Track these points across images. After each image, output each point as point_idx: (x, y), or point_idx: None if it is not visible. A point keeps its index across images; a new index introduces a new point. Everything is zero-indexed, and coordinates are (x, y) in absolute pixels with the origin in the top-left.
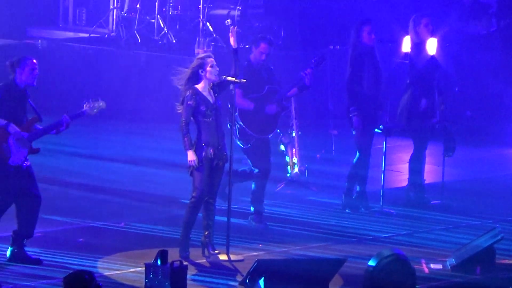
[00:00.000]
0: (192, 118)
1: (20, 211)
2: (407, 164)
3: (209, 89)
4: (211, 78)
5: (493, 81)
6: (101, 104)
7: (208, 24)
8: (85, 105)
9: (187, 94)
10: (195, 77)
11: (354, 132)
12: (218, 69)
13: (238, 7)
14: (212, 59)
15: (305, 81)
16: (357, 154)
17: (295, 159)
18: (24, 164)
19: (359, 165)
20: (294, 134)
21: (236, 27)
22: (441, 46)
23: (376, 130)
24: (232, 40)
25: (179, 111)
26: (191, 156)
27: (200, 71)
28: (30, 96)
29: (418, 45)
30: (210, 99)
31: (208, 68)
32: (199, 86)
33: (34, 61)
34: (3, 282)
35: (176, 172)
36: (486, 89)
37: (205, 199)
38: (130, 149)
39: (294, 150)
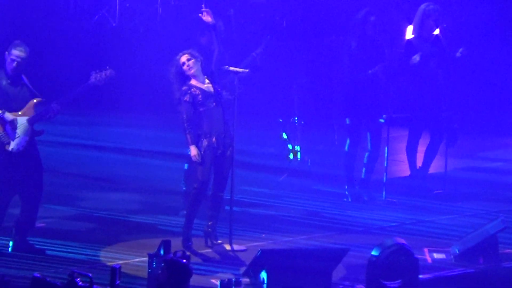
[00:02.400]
0: (194, 112)
1: (22, 199)
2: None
3: (201, 81)
4: (193, 72)
5: (498, 70)
6: (109, 72)
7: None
8: (92, 76)
9: (183, 90)
10: (183, 78)
11: (348, 121)
12: (195, 59)
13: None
14: (185, 55)
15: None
16: (347, 142)
17: (297, 147)
18: (26, 150)
19: (350, 152)
20: (296, 120)
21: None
22: (447, 35)
23: (380, 120)
24: (205, 16)
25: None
26: (193, 151)
27: (182, 72)
28: (27, 80)
29: (423, 34)
30: (207, 88)
31: (184, 67)
32: (193, 82)
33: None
34: (6, 275)
35: (180, 162)
36: (490, 78)
37: (208, 189)
38: (133, 140)
39: (297, 136)
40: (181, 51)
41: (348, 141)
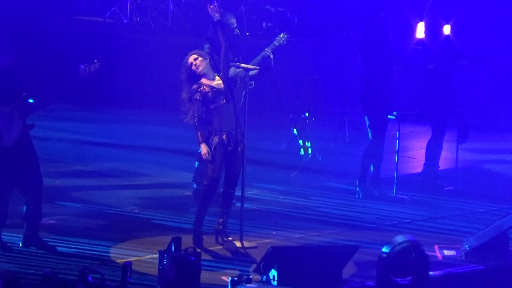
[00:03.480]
0: (205, 110)
1: (25, 194)
2: (422, 150)
3: (211, 79)
4: (202, 71)
5: (509, 66)
6: (98, 65)
7: None
8: (81, 69)
9: (193, 89)
10: (194, 78)
11: (366, 118)
12: (203, 58)
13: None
14: (194, 55)
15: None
16: (370, 139)
17: (308, 143)
18: (19, 143)
19: (372, 150)
20: (307, 115)
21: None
22: (457, 31)
23: (389, 116)
24: (212, 11)
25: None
26: (204, 149)
27: (192, 72)
28: (19, 74)
29: (434, 31)
30: (217, 85)
31: (193, 67)
32: (203, 80)
33: None
34: (17, 271)
35: (190, 160)
36: (501, 74)
37: (217, 186)
38: (145, 136)
39: (308, 133)
40: (193, 47)
41: (370, 139)
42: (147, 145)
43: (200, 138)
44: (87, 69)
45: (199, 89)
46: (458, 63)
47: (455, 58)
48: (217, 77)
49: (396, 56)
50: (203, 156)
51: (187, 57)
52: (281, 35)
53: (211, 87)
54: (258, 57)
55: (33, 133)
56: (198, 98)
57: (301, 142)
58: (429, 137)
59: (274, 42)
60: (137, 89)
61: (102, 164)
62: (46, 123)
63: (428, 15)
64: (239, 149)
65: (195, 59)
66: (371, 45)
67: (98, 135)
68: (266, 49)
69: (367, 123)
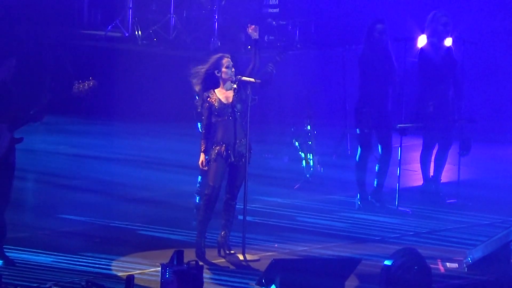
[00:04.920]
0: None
1: None
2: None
3: (228, 89)
4: (226, 78)
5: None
6: (92, 83)
7: None
8: (74, 86)
9: (204, 97)
10: (211, 78)
11: (358, 131)
12: (234, 69)
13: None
14: (228, 59)
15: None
16: (359, 151)
17: (310, 155)
18: (5, 157)
19: (361, 162)
20: (309, 128)
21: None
22: (458, 44)
23: (391, 129)
24: (252, 31)
25: (199, 110)
26: (200, 158)
27: (216, 72)
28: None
29: (434, 43)
30: (226, 100)
31: (223, 69)
32: (219, 88)
33: None
34: (22, 285)
35: (193, 174)
36: (504, 87)
37: (218, 196)
38: (146, 150)
39: (309, 146)
40: (195, 60)
41: (359, 151)
42: (149, 158)
43: (201, 147)
44: (81, 86)
45: (208, 99)
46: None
47: (454, 69)
48: (234, 86)
49: (394, 69)
50: (200, 165)
51: (220, 56)
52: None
53: (219, 101)
54: (263, 71)
55: (34, 146)
56: (206, 106)
57: (302, 154)
58: (421, 150)
59: (277, 57)
60: (138, 102)
61: (104, 177)
62: (46, 137)
63: (430, 27)
64: (241, 162)
65: (229, 64)
66: (369, 58)
67: (99, 149)
68: (269, 64)
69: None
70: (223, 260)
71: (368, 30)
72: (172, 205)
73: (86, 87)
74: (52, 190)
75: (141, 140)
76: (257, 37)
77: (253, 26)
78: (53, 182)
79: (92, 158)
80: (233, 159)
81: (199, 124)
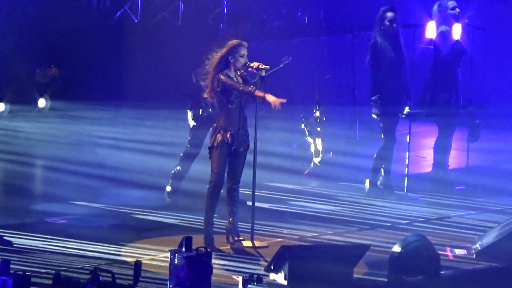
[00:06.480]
0: (216, 101)
1: None
2: (432, 149)
3: (236, 76)
4: (238, 66)
5: None
6: (53, 71)
7: None
8: (37, 73)
9: (221, 76)
10: (224, 63)
11: (377, 118)
12: (247, 60)
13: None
14: (245, 48)
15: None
16: (383, 139)
17: (318, 143)
18: None
19: (385, 150)
20: (318, 114)
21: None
22: (466, 31)
23: (400, 115)
24: (258, 68)
25: (205, 95)
26: (270, 97)
27: (229, 57)
28: None
29: (443, 31)
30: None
31: (239, 58)
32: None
33: None
34: (28, 271)
35: (198, 160)
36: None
37: (223, 182)
38: (157, 136)
39: (318, 131)
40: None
41: (384, 140)
42: (159, 144)
43: (249, 89)
44: (43, 73)
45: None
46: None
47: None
48: (238, 73)
49: (404, 56)
50: (275, 102)
51: (239, 43)
52: (284, 58)
53: (238, 86)
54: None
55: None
56: (226, 78)
57: (311, 140)
58: (436, 137)
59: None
60: (147, 88)
61: (113, 164)
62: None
63: (438, 15)
64: (241, 149)
65: (245, 54)
66: (379, 46)
67: (108, 135)
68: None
69: (379, 123)
70: (232, 246)
71: (379, 18)
72: (181, 191)
73: (47, 74)
74: (61, 177)
75: (149, 126)
76: (263, 74)
77: (257, 64)
78: (62, 169)
79: (100, 145)
80: (236, 146)
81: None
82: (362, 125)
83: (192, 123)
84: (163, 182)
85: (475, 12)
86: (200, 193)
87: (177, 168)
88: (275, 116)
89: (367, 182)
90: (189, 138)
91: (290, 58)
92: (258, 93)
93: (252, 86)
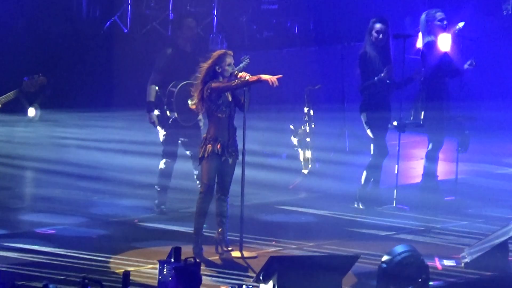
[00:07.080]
0: (206, 112)
1: None
2: (422, 159)
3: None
4: (225, 76)
5: (509, 75)
6: (41, 79)
7: None
8: (24, 82)
9: (212, 84)
10: (212, 73)
11: (367, 128)
12: (234, 68)
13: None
14: (231, 56)
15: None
16: (372, 150)
17: (308, 154)
18: None
19: (374, 161)
20: (307, 127)
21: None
22: (455, 41)
23: (390, 126)
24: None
25: (192, 106)
26: (265, 76)
27: (216, 67)
28: None
29: (430, 42)
30: (227, 96)
31: (225, 67)
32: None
33: None
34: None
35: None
36: (502, 84)
37: (213, 193)
38: (145, 145)
39: (308, 142)
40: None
41: (373, 150)
42: (147, 154)
43: (244, 80)
44: (29, 82)
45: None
46: (464, 66)
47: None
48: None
49: (392, 67)
50: (272, 79)
51: (223, 53)
52: (243, 58)
53: (224, 96)
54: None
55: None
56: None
57: (300, 151)
58: (427, 147)
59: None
60: (137, 97)
61: (102, 172)
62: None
63: (426, 26)
64: (231, 160)
65: (232, 63)
66: (368, 56)
67: (97, 141)
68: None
69: (369, 134)
70: (221, 257)
71: (368, 29)
72: (170, 200)
73: (35, 82)
74: (50, 187)
75: (138, 134)
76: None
77: (245, 74)
78: (49, 178)
79: (89, 150)
80: (226, 156)
81: None
82: (351, 135)
83: (161, 132)
84: (153, 193)
85: (465, 23)
86: (189, 204)
87: (156, 186)
88: (264, 125)
89: (356, 192)
90: (163, 148)
91: (248, 57)
92: (252, 78)
93: (240, 77)
